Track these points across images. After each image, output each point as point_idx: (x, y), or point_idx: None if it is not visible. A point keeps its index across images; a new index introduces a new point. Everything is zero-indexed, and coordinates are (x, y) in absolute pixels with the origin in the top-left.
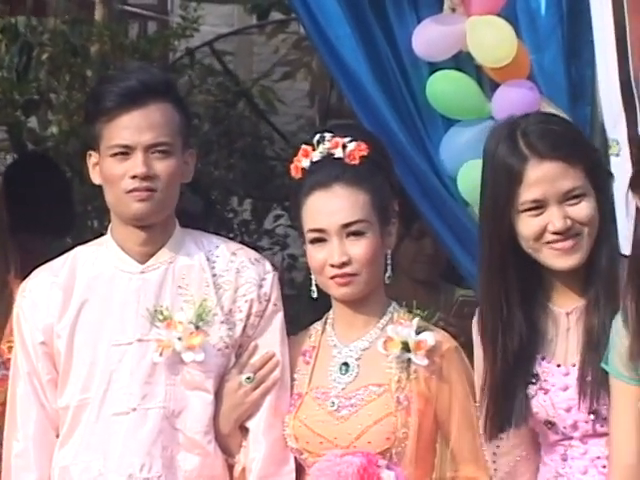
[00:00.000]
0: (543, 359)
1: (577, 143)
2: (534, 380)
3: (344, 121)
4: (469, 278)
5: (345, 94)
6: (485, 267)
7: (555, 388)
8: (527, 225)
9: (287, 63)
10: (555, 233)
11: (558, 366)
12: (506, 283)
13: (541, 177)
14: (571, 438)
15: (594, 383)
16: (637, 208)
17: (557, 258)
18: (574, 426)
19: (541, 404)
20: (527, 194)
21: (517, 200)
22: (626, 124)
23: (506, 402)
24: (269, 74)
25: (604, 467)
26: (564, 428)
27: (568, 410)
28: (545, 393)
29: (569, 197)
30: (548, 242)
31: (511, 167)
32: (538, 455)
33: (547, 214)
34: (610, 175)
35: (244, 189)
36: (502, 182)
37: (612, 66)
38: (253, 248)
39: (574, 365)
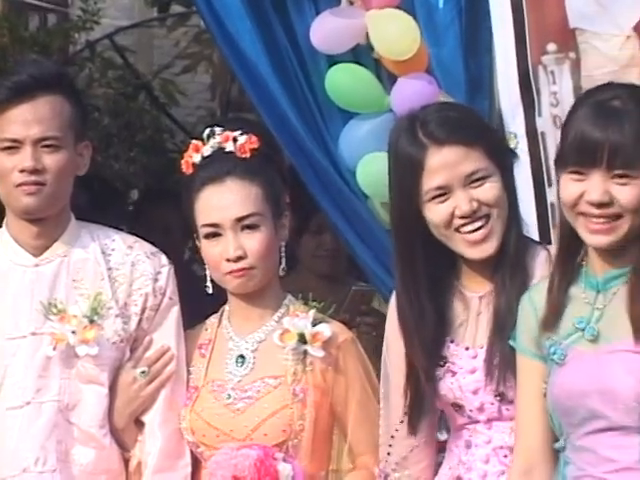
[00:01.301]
0: (452, 342)
1: (475, 126)
2: (442, 363)
3: (239, 114)
4: (368, 272)
5: (245, 87)
6: (397, 257)
7: (463, 371)
8: (435, 213)
9: (188, 56)
10: (463, 217)
11: (467, 349)
12: (416, 272)
13: (442, 163)
14: (477, 422)
15: (501, 365)
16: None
17: (470, 248)
18: (480, 409)
19: (448, 386)
20: (430, 182)
21: (421, 189)
22: (524, 117)
23: (421, 389)
24: (170, 67)
25: (505, 457)
26: (470, 411)
27: (475, 392)
28: (452, 375)
29: (473, 180)
30: (458, 228)
31: (411, 157)
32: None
33: (453, 199)
34: (514, 154)
35: (145, 182)
36: (405, 173)
37: (511, 59)
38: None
39: (482, 347)
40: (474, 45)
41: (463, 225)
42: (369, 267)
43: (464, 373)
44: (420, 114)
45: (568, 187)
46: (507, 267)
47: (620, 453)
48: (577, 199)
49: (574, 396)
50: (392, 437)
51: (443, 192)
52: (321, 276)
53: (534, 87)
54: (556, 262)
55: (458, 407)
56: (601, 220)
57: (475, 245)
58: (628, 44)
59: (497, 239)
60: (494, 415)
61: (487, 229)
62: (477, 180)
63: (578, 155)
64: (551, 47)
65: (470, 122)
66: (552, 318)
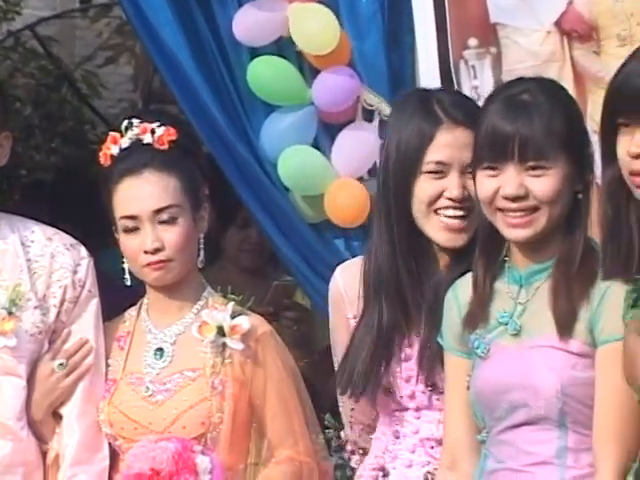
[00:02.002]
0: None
1: None
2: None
3: (161, 106)
4: (290, 265)
5: (166, 79)
6: (375, 238)
7: (396, 358)
8: (425, 187)
9: (110, 47)
10: (450, 199)
11: (403, 336)
12: (391, 255)
13: (452, 141)
14: (406, 409)
15: (433, 356)
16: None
17: (443, 232)
18: (411, 396)
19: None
20: (434, 154)
21: (422, 161)
22: None
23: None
24: (92, 58)
25: (432, 448)
26: (401, 397)
27: (408, 380)
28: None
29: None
30: (438, 209)
31: (423, 129)
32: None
33: (447, 180)
34: None
35: (66, 173)
36: (409, 144)
37: (432, 53)
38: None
39: (419, 336)
40: (396, 39)
41: (446, 207)
42: (290, 260)
43: (398, 360)
44: (434, 94)
45: (483, 183)
46: (460, 264)
47: (538, 447)
48: (493, 195)
49: (496, 390)
50: (351, 416)
51: (441, 169)
52: (244, 270)
53: (455, 81)
54: (477, 259)
55: (389, 392)
56: (518, 214)
57: (449, 231)
58: (549, 39)
59: (469, 235)
60: (424, 404)
61: (466, 222)
62: None
63: (490, 150)
64: (472, 42)
65: None
66: (475, 315)
